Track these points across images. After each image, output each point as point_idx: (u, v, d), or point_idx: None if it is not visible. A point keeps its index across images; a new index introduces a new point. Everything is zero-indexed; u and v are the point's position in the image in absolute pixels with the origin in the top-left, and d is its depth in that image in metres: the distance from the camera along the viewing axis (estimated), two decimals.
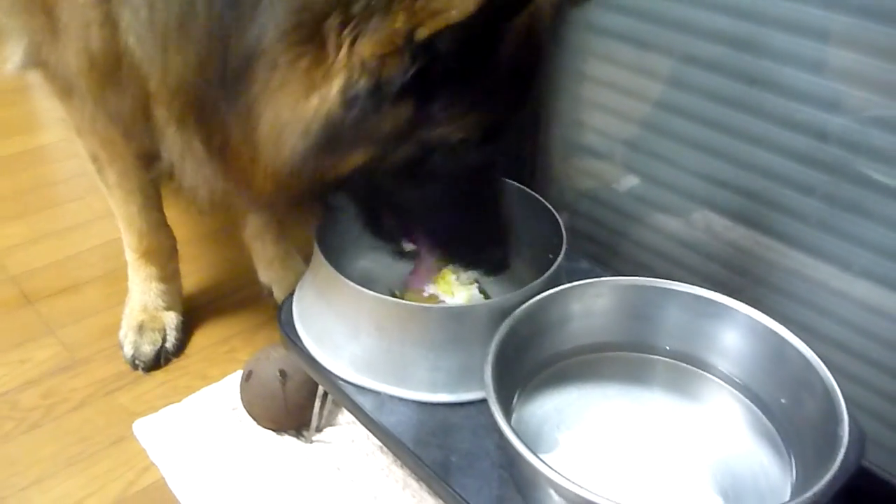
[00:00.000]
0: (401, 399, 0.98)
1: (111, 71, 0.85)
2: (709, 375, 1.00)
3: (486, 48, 0.70)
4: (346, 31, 0.67)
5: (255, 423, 1.20)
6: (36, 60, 0.98)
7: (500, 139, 0.85)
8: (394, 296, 1.09)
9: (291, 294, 1.12)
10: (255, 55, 0.70)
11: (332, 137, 0.71)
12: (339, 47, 0.68)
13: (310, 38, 0.68)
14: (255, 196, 0.83)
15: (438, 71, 0.69)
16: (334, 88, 0.69)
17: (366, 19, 0.66)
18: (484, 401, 0.89)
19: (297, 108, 0.71)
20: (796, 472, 0.87)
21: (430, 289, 1.12)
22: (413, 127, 0.74)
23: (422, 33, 0.64)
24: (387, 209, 0.93)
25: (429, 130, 0.76)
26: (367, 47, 0.66)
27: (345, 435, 1.19)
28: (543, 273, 1.00)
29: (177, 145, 0.85)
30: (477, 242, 0.96)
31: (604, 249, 1.43)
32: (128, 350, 1.32)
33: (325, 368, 1.02)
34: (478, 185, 0.88)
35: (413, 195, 0.87)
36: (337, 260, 1.03)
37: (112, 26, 0.81)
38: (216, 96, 0.74)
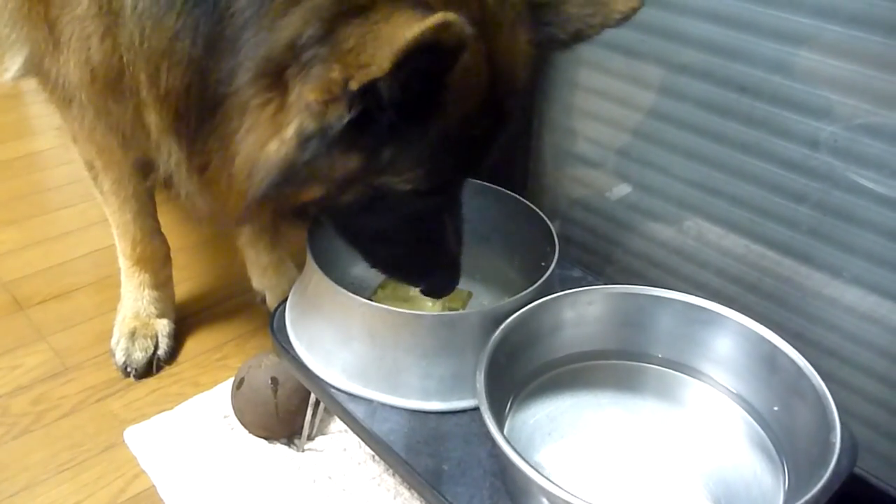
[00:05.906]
0: (393, 407, 0.98)
1: (112, 82, 0.88)
2: (701, 383, 1.00)
3: (426, 105, 0.75)
4: (297, 79, 0.72)
5: (246, 430, 1.19)
6: (36, 70, 0.99)
7: (449, 192, 0.91)
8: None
9: (284, 301, 1.12)
10: (229, 93, 0.76)
11: (289, 175, 0.78)
12: (295, 93, 0.74)
13: (275, 85, 0.74)
14: (227, 214, 0.89)
15: (383, 123, 0.74)
16: (291, 131, 0.75)
17: (311, 67, 0.71)
18: (476, 409, 0.89)
19: (264, 150, 0.77)
20: (789, 479, 0.87)
21: None
22: (363, 173, 0.80)
23: (354, 84, 0.69)
24: (343, 229, 0.98)
25: (378, 177, 0.82)
26: (311, 93, 0.71)
27: (336, 443, 1.18)
28: (536, 281, 1.00)
29: (173, 155, 0.87)
30: (423, 268, 0.99)
31: (596, 257, 1.43)
32: (119, 357, 1.31)
33: (316, 376, 1.02)
34: (429, 221, 0.93)
35: (366, 224, 0.93)
36: (329, 267, 1.03)
37: (113, 39, 0.83)
38: (200, 116, 0.80)
